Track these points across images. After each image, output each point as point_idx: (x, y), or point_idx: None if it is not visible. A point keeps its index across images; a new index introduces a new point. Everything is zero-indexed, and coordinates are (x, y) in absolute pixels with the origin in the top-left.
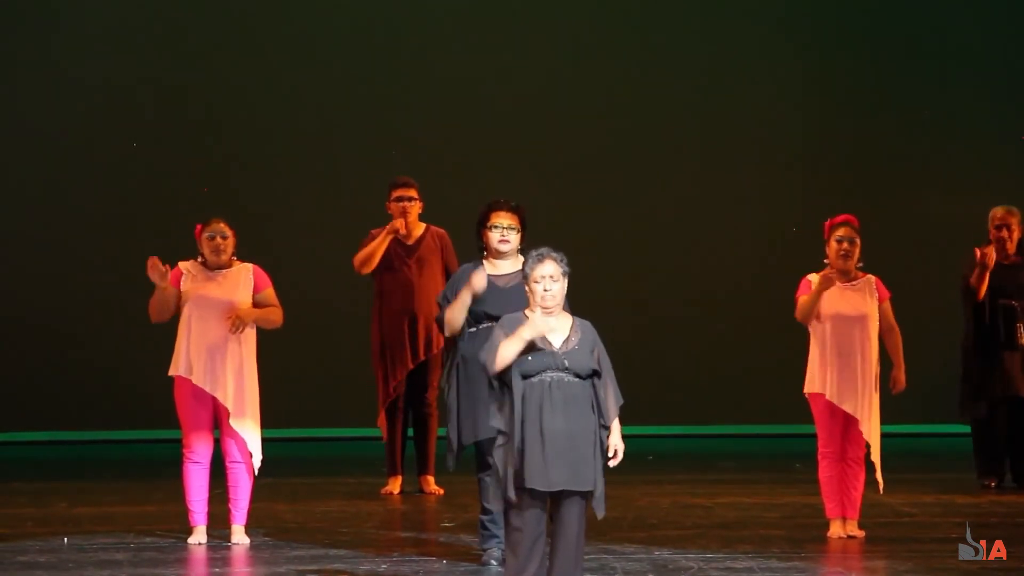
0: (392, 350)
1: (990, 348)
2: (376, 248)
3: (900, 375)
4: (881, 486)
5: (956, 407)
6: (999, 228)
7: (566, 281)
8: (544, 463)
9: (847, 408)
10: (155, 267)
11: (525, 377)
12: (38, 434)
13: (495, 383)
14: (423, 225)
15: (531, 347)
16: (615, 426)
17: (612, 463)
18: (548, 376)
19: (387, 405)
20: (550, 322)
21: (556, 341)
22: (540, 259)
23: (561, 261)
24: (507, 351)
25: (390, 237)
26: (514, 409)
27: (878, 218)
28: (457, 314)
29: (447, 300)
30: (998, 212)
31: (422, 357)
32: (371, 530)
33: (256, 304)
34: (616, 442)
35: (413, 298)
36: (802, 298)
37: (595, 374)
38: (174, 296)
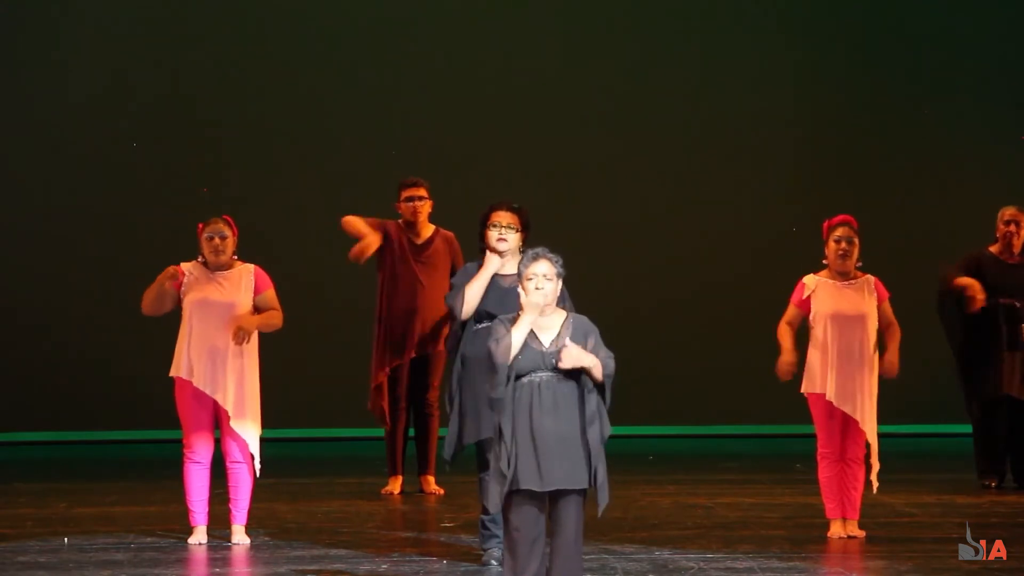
0: (393, 343)
1: (989, 348)
2: (367, 245)
3: (894, 359)
4: (875, 487)
5: (965, 406)
6: (1008, 224)
7: (560, 282)
8: (536, 464)
9: (846, 409)
10: (172, 275)
11: (516, 378)
12: (38, 434)
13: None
14: (432, 226)
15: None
16: (587, 355)
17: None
18: (537, 376)
19: (380, 397)
20: (538, 309)
21: (546, 340)
22: (535, 258)
23: (556, 262)
24: (516, 337)
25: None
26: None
27: (877, 217)
28: (474, 293)
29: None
30: (1008, 210)
31: (421, 351)
32: (371, 530)
33: (257, 306)
34: (571, 350)
35: (417, 299)
36: (784, 330)
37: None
38: (171, 295)
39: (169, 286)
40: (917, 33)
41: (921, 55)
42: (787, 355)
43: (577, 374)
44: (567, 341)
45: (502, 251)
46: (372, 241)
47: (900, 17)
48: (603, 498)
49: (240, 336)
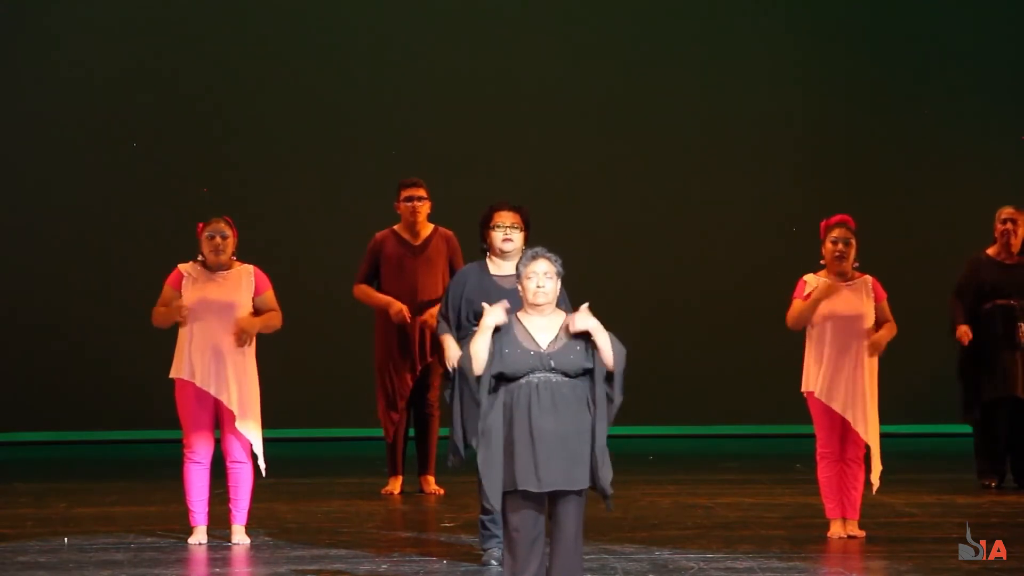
0: (396, 359)
1: (989, 348)
2: (374, 303)
3: (881, 336)
4: (875, 487)
5: (960, 408)
6: (1005, 223)
7: (559, 282)
8: (535, 464)
9: (835, 407)
10: (180, 311)
11: (512, 380)
12: (38, 434)
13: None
14: (431, 226)
15: (515, 344)
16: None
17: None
18: (535, 378)
19: (386, 412)
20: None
21: (544, 341)
22: (533, 257)
23: (555, 262)
24: (477, 347)
25: (390, 310)
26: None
27: (877, 217)
28: (480, 349)
29: (446, 319)
30: (1005, 209)
31: (428, 360)
32: (371, 530)
33: (256, 307)
34: (581, 313)
35: (418, 300)
36: (796, 303)
37: (587, 372)
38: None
39: (181, 317)
40: (917, 33)
41: (921, 55)
42: (811, 298)
43: (578, 373)
44: (583, 308)
45: (508, 251)
46: (389, 301)
47: (900, 17)
48: (608, 502)
49: (242, 338)
